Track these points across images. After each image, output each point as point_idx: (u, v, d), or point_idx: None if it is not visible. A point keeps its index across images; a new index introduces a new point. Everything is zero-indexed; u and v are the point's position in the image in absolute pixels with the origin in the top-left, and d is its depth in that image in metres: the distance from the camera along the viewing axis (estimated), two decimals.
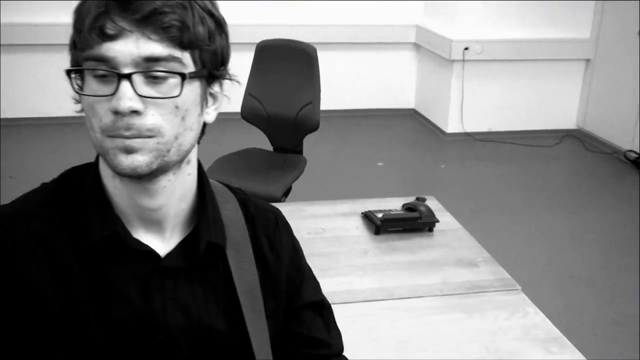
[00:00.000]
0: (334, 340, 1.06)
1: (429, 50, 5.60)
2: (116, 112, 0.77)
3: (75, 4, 0.81)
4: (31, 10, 5.02)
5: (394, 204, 2.26)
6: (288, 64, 3.25)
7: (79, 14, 0.79)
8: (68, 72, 0.80)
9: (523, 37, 5.27)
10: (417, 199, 2.31)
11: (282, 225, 1.03)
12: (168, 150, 0.81)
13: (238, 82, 0.90)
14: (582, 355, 1.55)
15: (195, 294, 0.91)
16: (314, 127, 3.17)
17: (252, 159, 3.31)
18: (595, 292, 3.15)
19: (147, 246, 0.88)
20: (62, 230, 0.86)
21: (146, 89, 0.79)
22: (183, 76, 0.80)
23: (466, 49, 5.14)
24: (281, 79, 3.27)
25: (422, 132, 5.63)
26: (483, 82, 5.37)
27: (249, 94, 3.29)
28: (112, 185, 0.87)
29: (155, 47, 0.78)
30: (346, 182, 4.41)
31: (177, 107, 0.81)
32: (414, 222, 2.12)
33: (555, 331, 1.65)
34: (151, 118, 0.79)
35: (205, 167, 1.03)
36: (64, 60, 0.85)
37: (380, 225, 2.09)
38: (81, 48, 0.79)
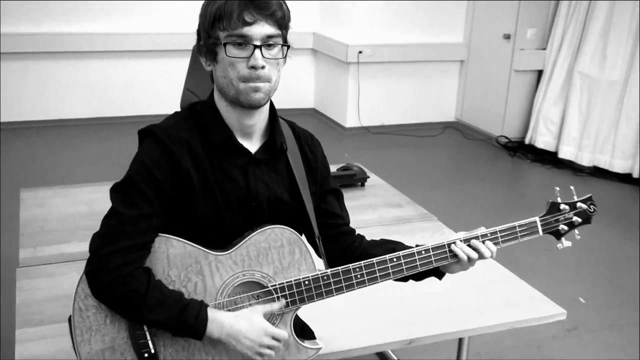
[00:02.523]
0: (345, 215, 1.60)
1: (326, 55, 6.23)
2: (253, 67, 1.29)
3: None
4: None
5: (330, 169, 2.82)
6: None
7: (222, 9, 1.28)
8: (224, 44, 1.29)
9: (408, 41, 6.04)
10: (347, 164, 2.89)
11: (315, 140, 1.56)
12: (273, 90, 1.35)
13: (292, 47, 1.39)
14: None
15: (272, 177, 1.43)
16: None
17: None
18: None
19: (244, 147, 1.40)
20: (195, 137, 1.36)
21: (266, 53, 1.31)
22: (288, 46, 1.33)
23: (360, 52, 5.82)
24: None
25: (324, 127, 6.25)
26: (375, 81, 6.07)
27: (187, 89, 3.73)
28: (226, 110, 1.38)
29: (273, 30, 1.31)
30: None
31: (278, 63, 1.34)
32: (350, 178, 2.70)
33: None
34: (268, 71, 1.31)
35: None
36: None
37: None
38: (226, 29, 1.28)
